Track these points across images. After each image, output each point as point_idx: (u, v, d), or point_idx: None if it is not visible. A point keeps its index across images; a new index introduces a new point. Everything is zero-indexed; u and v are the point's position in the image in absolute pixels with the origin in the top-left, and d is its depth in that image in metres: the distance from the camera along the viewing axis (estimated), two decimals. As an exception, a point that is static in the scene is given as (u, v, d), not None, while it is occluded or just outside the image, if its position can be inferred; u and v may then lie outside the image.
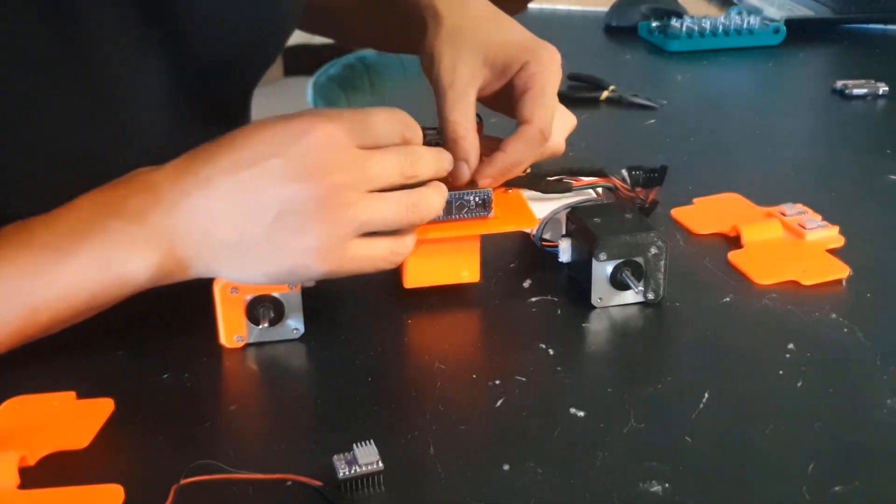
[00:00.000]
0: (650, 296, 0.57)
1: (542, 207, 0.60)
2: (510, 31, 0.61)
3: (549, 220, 0.60)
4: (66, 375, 0.51)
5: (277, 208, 0.48)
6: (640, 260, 0.56)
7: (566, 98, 0.99)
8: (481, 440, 0.46)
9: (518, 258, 0.63)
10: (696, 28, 1.19)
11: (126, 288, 0.51)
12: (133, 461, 0.46)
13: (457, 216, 0.56)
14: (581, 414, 0.48)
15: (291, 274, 0.50)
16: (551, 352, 0.53)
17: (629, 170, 0.62)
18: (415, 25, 0.64)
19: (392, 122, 0.52)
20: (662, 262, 0.56)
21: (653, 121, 0.93)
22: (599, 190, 0.62)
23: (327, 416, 0.48)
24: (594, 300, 0.57)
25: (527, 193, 0.61)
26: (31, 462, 0.45)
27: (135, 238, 0.49)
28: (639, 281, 0.56)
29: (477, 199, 0.56)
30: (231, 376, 0.52)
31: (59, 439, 0.46)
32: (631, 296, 0.57)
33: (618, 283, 0.57)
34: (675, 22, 1.21)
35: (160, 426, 0.48)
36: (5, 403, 0.49)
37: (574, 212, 0.59)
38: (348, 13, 0.81)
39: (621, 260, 0.56)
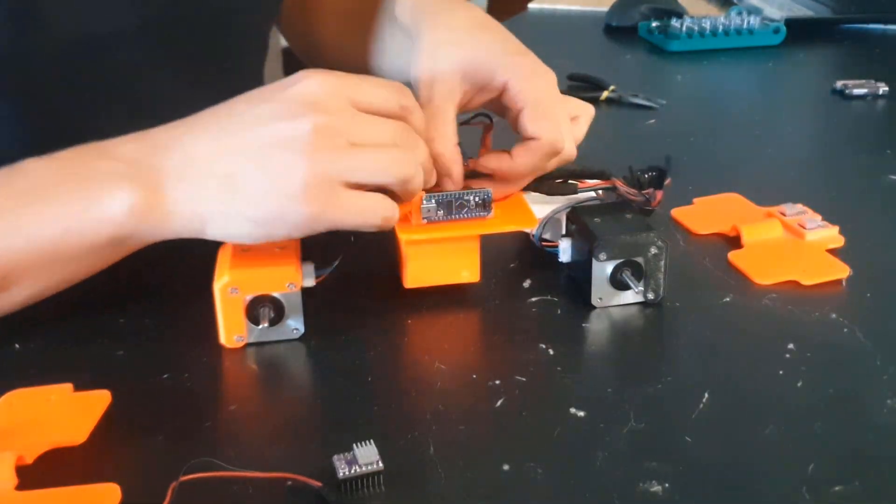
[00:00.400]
0: (650, 296, 0.57)
1: (542, 207, 0.60)
2: (490, 44, 0.60)
3: (549, 220, 0.60)
4: (64, 374, 0.50)
5: (266, 146, 0.48)
6: (640, 260, 0.56)
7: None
8: (481, 440, 0.46)
9: (518, 258, 0.63)
10: (696, 28, 1.19)
11: (103, 226, 0.49)
12: (130, 459, 0.46)
13: (457, 216, 0.56)
14: (581, 414, 0.48)
15: (277, 219, 0.49)
16: (551, 352, 0.53)
17: (631, 172, 0.62)
18: (402, 46, 0.65)
19: (388, 88, 0.52)
20: (662, 262, 0.56)
21: (653, 121, 0.93)
22: (600, 191, 0.62)
23: (327, 416, 0.48)
24: (594, 300, 0.57)
25: (530, 195, 0.61)
26: (29, 460, 0.45)
27: (119, 174, 0.49)
28: (639, 281, 0.56)
29: (477, 199, 0.56)
30: (231, 376, 0.52)
31: (56, 435, 0.46)
32: (631, 296, 0.57)
33: (618, 283, 0.57)
34: (675, 22, 1.21)
35: (160, 426, 0.47)
36: (2, 399, 0.48)
37: (574, 212, 0.59)
38: (337, 48, 0.82)
39: (621, 260, 0.56)
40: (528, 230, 0.60)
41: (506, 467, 0.44)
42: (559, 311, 0.57)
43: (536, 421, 0.48)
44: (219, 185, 0.49)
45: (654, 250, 0.56)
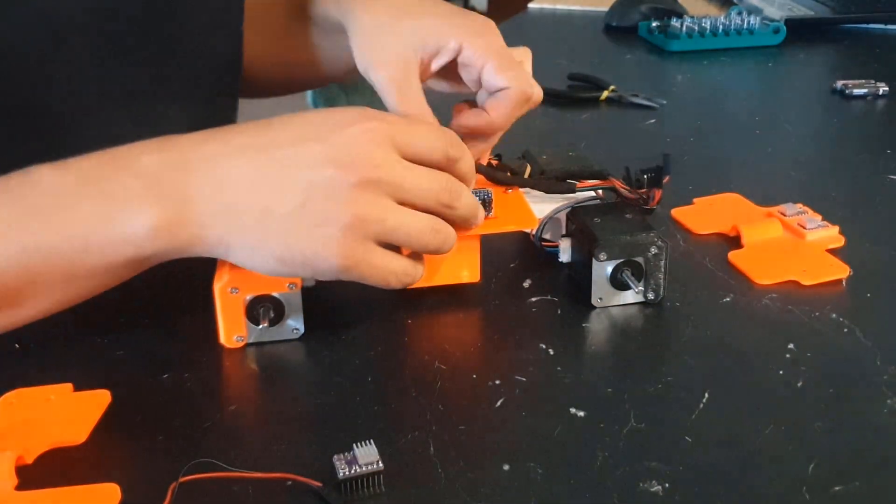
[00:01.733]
0: (650, 296, 0.57)
1: (542, 207, 0.60)
2: (432, 13, 0.59)
3: (549, 220, 0.60)
4: (64, 374, 0.50)
5: (309, 189, 0.47)
6: (640, 260, 0.56)
7: (566, 98, 0.99)
8: (481, 440, 0.46)
9: (518, 258, 0.63)
10: (696, 28, 1.19)
11: (123, 247, 0.47)
12: (130, 459, 0.46)
13: None
14: (581, 414, 0.48)
15: (305, 263, 0.48)
16: (551, 352, 0.53)
17: (628, 172, 0.62)
18: (339, 40, 0.63)
19: (437, 136, 0.51)
20: (662, 262, 0.56)
21: (653, 121, 0.93)
22: (600, 191, 0.62)
23: (327, 416, 0.48)
24: (594, 300, 0.57)
25: (529, 193, 0.61)
26: (29, 460, 0.45)
27: (141, 193, 0.47)
28: (639, 281, 0.56)
29: (477, 199, 0.56)
30: (231, 376, 0.52)
31: (56, 435, 0.46)
32: (631, 296, 0.57)
33: (618, 283, 0.57)
34: (675, 22, 1.21)
35: (159, 425, 0.47)
36: (2, 399, 0.48)
37: (574, 212, 0.59)
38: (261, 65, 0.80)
39: (621, 260, 0.56)
40: (528, 230, 0.60)
41: (506, 467, 0.44)
42: (559, 311, 0.57)
43: (536, 421, 0.48)
44: (254, 219, 0.47)
45: (654, 250, 0.56)
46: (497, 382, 0.50)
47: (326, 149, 0.48)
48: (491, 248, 0.59)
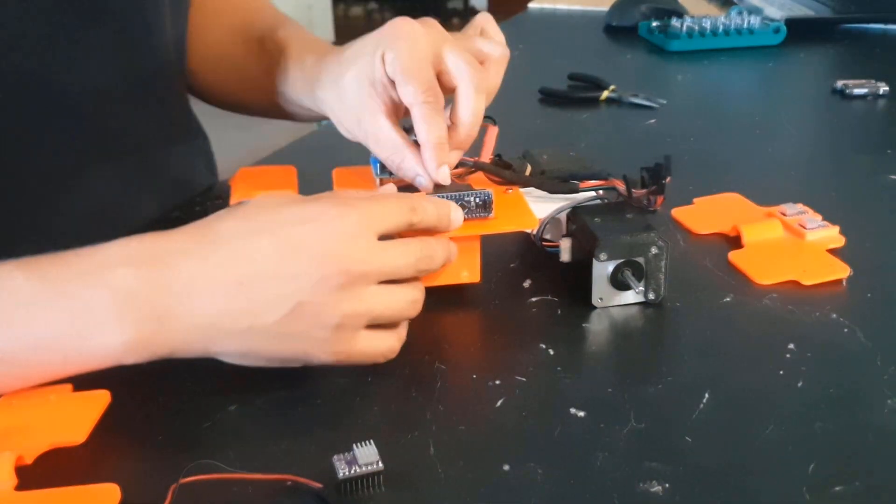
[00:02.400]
0: (651, 296, 0.57)
1: (543, 208, 0.60)
2: (353, 44, 0.63)
3: (550, 221, 0.60)
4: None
5: (295, 299, 0.47)
6: (640, 260, 0.56)
7: (566, 98, 0.99)
8: (481, 440, 0.46)
9: (518, 258, 0.63)
10: (696, 28, 1.19)
11: (101, 359, 0.47)
12: (130, 459, 0.46)
13: None
14: (581, 414, 0.48)
15: (296, 360, 0.50)
16: (551, 352, 0.53)
17: (626, 178, 0.62)
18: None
19: (400, 208, 0.51)
20: (663, 262, 0.56)
21: (653, 121, 0.93)
22: (601, 191, 0.62)
23: (327, 416, 0.48)
24: (594, 300, 0.57)
25: (530, 192, 0.61)
26: (29, 461, 0.45)
27: (117, 312, 0.46)
28: (639, 281, 0.56)
29: (477, 199, 0.56)
30: (231, 376, 0.52)
31: (55, 435, 0.46)
32: (631, 296, 0.57)
33: (618, 283, 0.57)
34: (675, 22, 1.21)
35: (160, 426, 0.48)
36: (2, 399, 0.48)
37: (575, 212, 0.59)
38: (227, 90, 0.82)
39: (622, 260, 0.56)
40: (528, 230, 0.60)
41: (506, 467, 0.44)
42: (559, 311, 0.57)
43: (536, 421, 0.48)
44: (239, 333, 0.47)
45: (654, 250, 0.56)
46: (497, 382, 0.50)
47: (308, 259, 0.47)
48: (491, 248, 0.59)
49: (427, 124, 0.57)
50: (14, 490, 0.43)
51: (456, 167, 0.61)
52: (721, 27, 1.19)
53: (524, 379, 0.51)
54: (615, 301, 0.57)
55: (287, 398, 0.51)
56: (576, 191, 0.62)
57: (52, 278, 0.47)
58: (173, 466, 0.42)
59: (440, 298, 0.58)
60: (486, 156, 0.63)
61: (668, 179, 0.60)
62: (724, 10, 1.38)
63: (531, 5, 1.48)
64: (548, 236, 0.61)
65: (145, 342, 0.46)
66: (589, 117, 0.95)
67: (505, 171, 0.62)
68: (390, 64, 0.58)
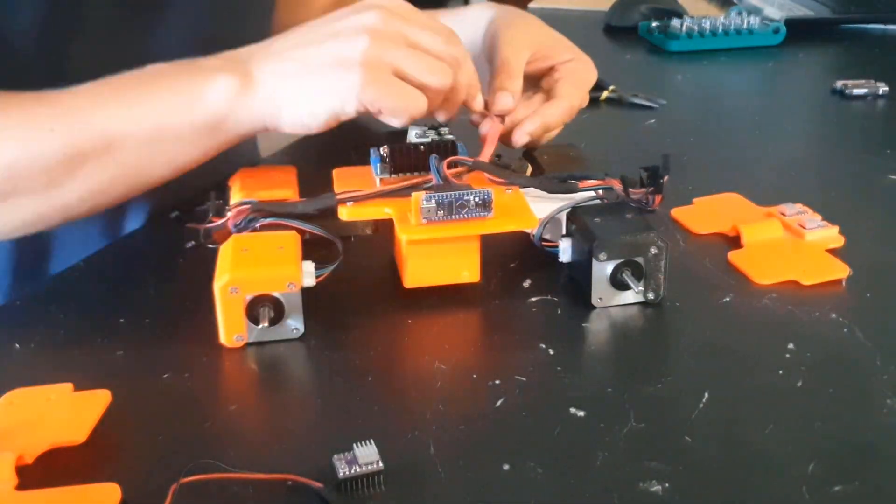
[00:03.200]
0: (650, 296, 0.57)
1: (543, 207, 0.60)
2: (553, 33, 0.78)
3: (550, 220, 0.60)
4: (64, 374, 0.50)
5: (333, 31, 0.58)
6: (640, 260, 0.56)
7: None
8: (481, 440, 0.46)
9: (518, 258, 0.63)
10: (696, 28, 1.19)
11: (203, 104, 0.57)
12: (131, 458, 0.46)
13: (457, 216, 0.56)
14: (581, 414, 0.48)
15: (335, 85, 0.57)
16: (551, 352, 0.53)
17: (624, 180, 0.62)
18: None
19: (443, 36, 0.60)
20: (662, 262, 0.56)
21: (653, 121, 0.93)
22: (600, 191, 0.62)
23: (327, 416, 0.49)
24: (594, 300, 0.57)
25: (530, 192, 0.61)
26: (29, 460, 0.45)
27: (219, 67, 0.58)
28: (639, 281, 0.56)
29: (477, 199, 0.56)
30: (231, 376, 0.52)
31: (56, 434, 0.46)
32: (631, 296, 0.57)
33: (618, 283, 0.57)
34: (675, 22, 1.21)
35: (159, 426, 0.47)
36: (2, 399, 0.48)
37: (574, 212, 0.59)
38: None
39: (621, 260, 0.56)
40: (528, 230, 0.60)
41: (506, 467, 0.44)
42: (559, 311, 0.57)
43: (536, 421, 0.48)
44: (294, 65, 0.58)
45: (654, 250, 0.56)
46: (497, 382, 0.50)
47: (341, 23, 0.59)
48: (491, 248, 0.59)
49: (558, 113, 0.70)
50: (15, 490, 0.43)
51: (455, 166, 0.61)
52: (721, 27, 1.19)
53: (524, 379, 0.51)
54: (615, 301, 0.57)
55: (287, 398, 0.51)
56: (575, 191, 0.62)
57: (177, 62, 0.60)
58: (174, 466, 0.42)
59: (440, 298, 0.58)
60: (487, 155, 0.63)
61: (666, 179, 0.60)
62: (723, 11, 1.38)
63: (531, 5, 1.48)
64: (547, 236, 0.61)
65: (239, 86, 0.58)
66: (589, 117, 0.95)
67: (504, 170, 0.62)
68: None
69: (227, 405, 0.50)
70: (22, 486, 0.43)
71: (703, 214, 0.69)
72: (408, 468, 0.44)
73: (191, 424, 0.47)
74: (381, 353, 0.54)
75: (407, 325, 0.56)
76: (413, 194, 0.55)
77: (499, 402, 0.49)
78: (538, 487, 0.43)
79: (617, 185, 0.61)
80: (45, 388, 0.49)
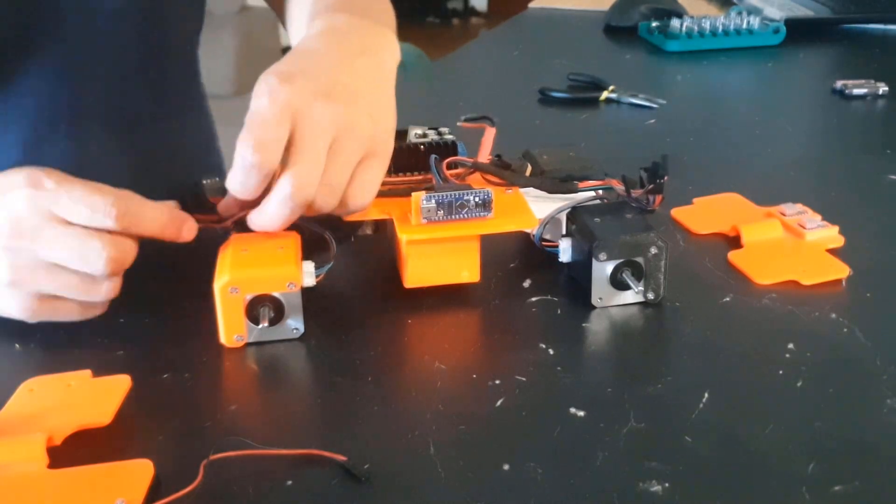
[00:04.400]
0: (650, 296, 0.57)
1: (542, 207, 0.60)
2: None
3: (550, 220, 0.60)
4: (63, 373, 0.50)
5: None
6: (640, 260, 0.56)
7: (566, 98, 0.99)
8: (481, 440, 0.46)
9: (518, 258, 0.63)
10: (695, 28, 1.19)
11: None
12: (158, 438, 0.47)
13: (457, 216, 0.56)
14: (581, 414, 0.48)
15: (10, 312, 0.53)
16: (551, 352, 0.53)
17: (625, 179, 0.62)
18: None
19: (95, 201, 0.51)
20: (662, 262, 0.56)
21: (653, 121, 0.93)
22: (600, 191, 0.62)
23: (327, 416, 0.48)
24: (594, 300, 0.57)
25: (530, 192, 0.61)
26: (58, 442, 0.45)
27: None
28: (639, 281, 0.56)
29: (477, 199, 0.56)
30: (231, 376, 0.52)
31: (81, 416, 0.47)
32: (631, 296, 0.57)
33: (618, 283, 0.57)
34: (674, 22, 1.21)
35: (159, 426, 0.47)
36: (22, 385, 0.49)
37: (574, 212, 0.59)
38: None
39: (621, 260, 0.56)
40: (528, 230, 0.60)
41: (506, 467, 0.44)
42: (559, 311, 0.57)
43: (536, 421, 0.48)
44: None
45: (654, 250, 0.56)
46: (497, 382, 0.50)
47: None
48: (491, 248, 0.59)
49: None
50: (47, 468, 0.43)
51: (455, 167, 0.61)
52: (720, 27, 1.19)
53: (524, 379, 0.51)
54: (615, 301, 0.57)
55: (287, 398, 0.51)
56: (575, 191, 0.62)
57: None
58: (172, 465, 0.43)
59: (440, 298, 0.58)
60: (484, 156, 0.63)
61: (666, 179, 0.60)
62: (723, 11, 1.38)
63: (531, 5, 1.48)
64: (547, 236, 0.61)
65: None
66: (588, 117, 0.95)
67: (504, 171, 0.62)
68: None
69: (227, 405, 0.49)
70: (54, 466, 0.44)
71: (703, 214, 0.69)
72: (408, 468, 0.44)
73: (191, 424, 0.47)
74: (381, 353, 0.54)
75: (407, 325, 0.56)
76: (413, 194, 0.55)
77: (499, 402, 0.49)
78: (538, 487, 0.43)
79: (617, 185, 0.61)
80: (64, 375, 0.50)
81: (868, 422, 0.47)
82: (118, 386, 0.49)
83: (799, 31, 1.22)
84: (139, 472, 0.43)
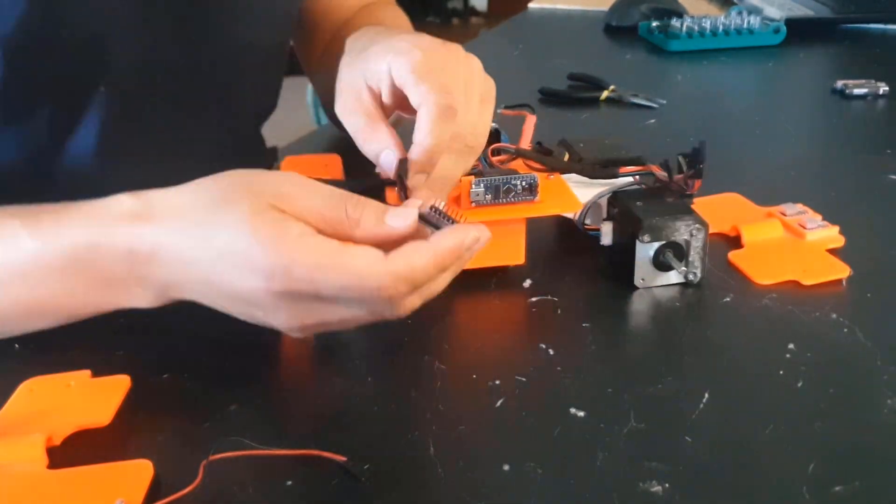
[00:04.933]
0: (691, 276, 0.58)
1: (582, 193, 0.61)
2: (383, 40, 0.59)
3: (591, 205, 0.61)
4: (63, 373, 0.50)
5: (244, 312, 0.48)
6: (681, 241, 0.57)
7: (566, 98, 0.99)
8: (481, 440, 0.46)
9: (530, 251, 0.63)
10: (696, 28, 1.19)
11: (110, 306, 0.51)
12: (157, 438, 0.47)
13: (504, 200, 0.57)
14: (581, 414, 0.48)
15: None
16: (551, 352, 0.53)
17: (667, 162, 0.62)
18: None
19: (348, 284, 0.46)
20: (702, 245, 0.58)
21: (653, 121, 0.93)
22: (638, 176, 0.63)
23: (327, 416, 0.48)
24: (637, 281, 0.58)
25: (571, 178, 0.62)
26: (57, 442, 0.45)
27: (134, 284, 0.50)
28: (680, 262, 0.57)
29: (524, 183, 0.57)
30: (231, 376, 0.52)
31: (81, 417, 0.47)
32: (672, 276, 0.58)
33: (660, 264, 0.58)
34: (675, 22, 1.21)
35: (159, 426, 0.47)
36: (22, 385, 0.49)
37: (616, 196, 0.60)
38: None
39: (664, 242, 0.57)
40: (570, 215, 0.61)
41: (506, 467, 0.44)
42: (559, 311, 0.57)
43: (536, 421, 0.48)
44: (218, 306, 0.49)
45: (695, 232, 0.57)
46: (497, 382, 0.50)
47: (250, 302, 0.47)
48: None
49: (432, 125, 0.53)
50: (47, 469, 0.43)
51: (498, 154, 0.61)
52: (721, 27, 1.19)
53: (524, 379, 0.51)
54: (657, 282, 0.59)
55: (287, 399, 0.51)
56: (616, 176, 0.63)
57: (62, 247, 0.49)
58: (172, 465, 0.43)
59: (440, 298, 0.58)
60: (525, 143, 0.64)
61: (705, 164, 0.60)
62: (723, 10, 1.38)
63: (531, 5, 1.48)
64: (587, 221, 0.62)
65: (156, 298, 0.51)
66: (589, 117, 0.95)
67: (546, 157, 0.63)
68: (397, 78, 0.55)
69: (226, 405, 0.49)
70: (53, 466, 0.44)
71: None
72: (408, 468, 0.44)
73: (191, 424, 0.47)
74: (381, 353, 0.54)
75: (407, 325, 0.56)
76: (462, 179, 0.56)
77: (499, 402, 0.49)
78: (538, 487, 0.43)
79: (657, 171, 0.62)
80: (63, 375, 0.50)
81: (868, 422, 0.47)
82: (118, 386, 0.49)
83: (799, 31, 1.22)
84: (139, 472, 0.43)
